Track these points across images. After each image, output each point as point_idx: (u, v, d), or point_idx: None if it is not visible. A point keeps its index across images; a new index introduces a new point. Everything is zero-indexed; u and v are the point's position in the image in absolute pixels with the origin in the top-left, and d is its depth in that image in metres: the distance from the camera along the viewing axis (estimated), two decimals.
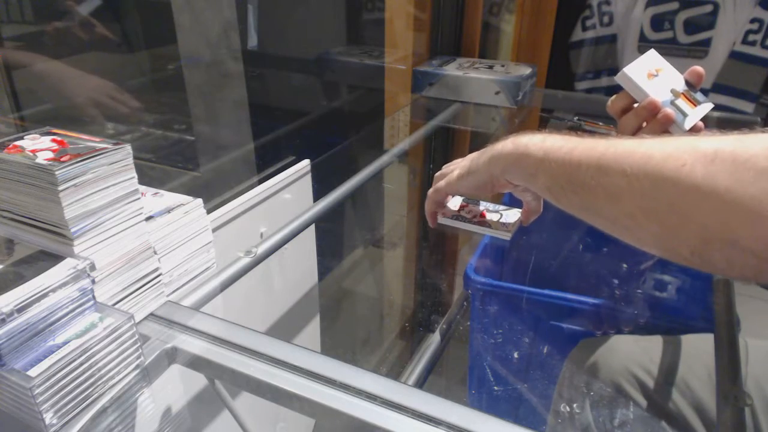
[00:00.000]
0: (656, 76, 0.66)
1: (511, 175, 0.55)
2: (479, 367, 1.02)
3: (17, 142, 0.47)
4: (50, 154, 0.45)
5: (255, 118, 1.15)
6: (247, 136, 1.15)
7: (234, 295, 0.72)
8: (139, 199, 0.50)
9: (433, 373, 0.82)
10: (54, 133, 0.49)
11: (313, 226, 0.89)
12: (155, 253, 0.53)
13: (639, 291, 1.05)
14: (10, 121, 0.90)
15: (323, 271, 1.11)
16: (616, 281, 1.09)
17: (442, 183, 0.68)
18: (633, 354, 0.78)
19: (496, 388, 1.02)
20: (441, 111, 1.20)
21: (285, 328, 0.96)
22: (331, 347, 1.20)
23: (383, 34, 1.31)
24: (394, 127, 1.34)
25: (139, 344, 0.48)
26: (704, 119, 0.67)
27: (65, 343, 0.43)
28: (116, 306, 0.50)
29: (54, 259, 0.45)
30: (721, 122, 1.12)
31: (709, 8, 1.41)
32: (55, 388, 0.41)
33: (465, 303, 0.98)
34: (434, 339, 0.85)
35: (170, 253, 0.54)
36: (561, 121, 1.33)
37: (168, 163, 1.11)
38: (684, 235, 0.40)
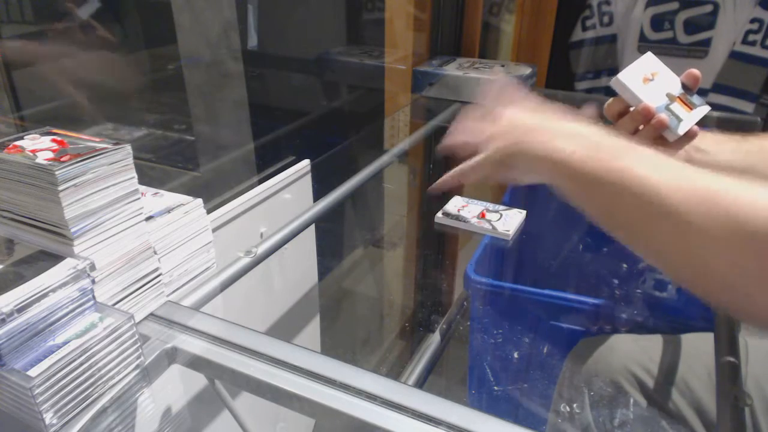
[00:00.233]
0: (652, 80, 0.66)
1: (539, 177, 0.56)
2: (479, 367, 1.02)
3: (17, 142, 0.47)
4: (50, 154, 0.45)
5: (255, 118, 1.14)
6: (247, 136, 1.15)
7: (234, 295, 0.72)
8: (139, 199, 0.50)
9: (433, 373, 0.82)
10: (54, 133, 0.49)
11: (313, 226, 0.89)
12: (155, 253, 0.53)
13: (639, 291, 1.05)
14: (10, 121, 0.90)
15: (323, 271, 1.10)
16: (616, 281, 1.09)
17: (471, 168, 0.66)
18: (633, 354, 0.78)
19: (496, 388, 1.02)
20: (441, 111, 1.20)
21: (285, 328, 0.95)
22: (331, 347, 1.20)
23: (383, 34, 1.31)
24: (394, 127, 1.34)
25: (139, 344, 0.48)
26: (704, 120, 0.67)
27: (65, 343, 0.43)
28: (116, 306, 0.50)
29: (54, 259, 0.45)
30: (721, 122, 1.12)
31: (709, 8, 1.41)
32: (55, 388, 0.41)
33: (465, 303, 0.98)
34: (434, 339, 0.85)
35: (170, 253, 0.54)
36: None
37: (168, 163, 1.11)
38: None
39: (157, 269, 0.53)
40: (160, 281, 0.54)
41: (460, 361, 1.14)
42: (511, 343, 0.99)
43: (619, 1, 1.50)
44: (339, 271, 1.50)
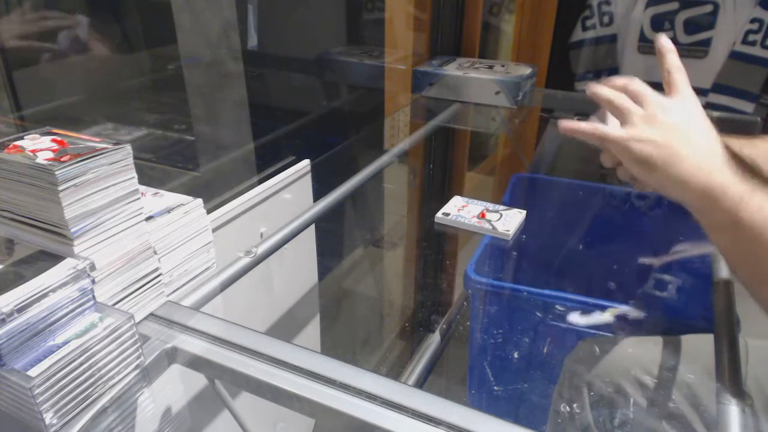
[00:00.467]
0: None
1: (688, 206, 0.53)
2: (479, 367, 1.02)
3: (17, 142, 0.47)
4: (50, 154, 0.45)
5: (255, 118, 1.14)
6: (247, 136, 1.15)
7: (234, 295, 0.72)
8: (139, 199, 0.50)
9: (433, 373, 0.82)
10: (54, 133, 0.49)
11: (313, 226, 0.89)
12: (155, 253, 0.53)
13: (639, 291, 1.05)
14: (10, 121, 0.90)
15: (323, 271, 1.10)
16: (616, 281, 1.09)
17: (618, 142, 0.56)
18: (633, 354, 0.78)
19: (496, 388, 1.02)
20: (441, 111, 1.20)
21: (285, 328, 0.95)
22: (331, 347, 1.20)
23: (383, 34, 1.31)
24: (394, 127, 1.34)
25: (139, 344, 0.48)
26: None
27: (65, 343, 0.43)
28: (116, 306, 0.50)
29: (54, 259, 0.45)
30: (721, 122, 1.12)
31: (709, 8, 1.41)
32: (55, 388, 0.41)
33: (465, 303, 0.98)
34: (434, 339, 0.85)
35: (170, 253, 0.54)
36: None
37: (168, 163, 1.11)
38: None
39: (157, 269, 0.53)
40: (160, 281, 0.54)
41: (460, 361, 1.14)
42: (511, 343, 0.99)
43: (619, 1, 1.50)
44: (339, 271, 1.50)
